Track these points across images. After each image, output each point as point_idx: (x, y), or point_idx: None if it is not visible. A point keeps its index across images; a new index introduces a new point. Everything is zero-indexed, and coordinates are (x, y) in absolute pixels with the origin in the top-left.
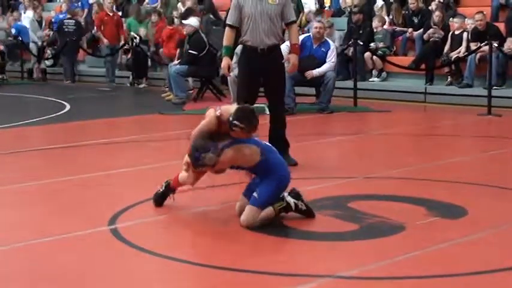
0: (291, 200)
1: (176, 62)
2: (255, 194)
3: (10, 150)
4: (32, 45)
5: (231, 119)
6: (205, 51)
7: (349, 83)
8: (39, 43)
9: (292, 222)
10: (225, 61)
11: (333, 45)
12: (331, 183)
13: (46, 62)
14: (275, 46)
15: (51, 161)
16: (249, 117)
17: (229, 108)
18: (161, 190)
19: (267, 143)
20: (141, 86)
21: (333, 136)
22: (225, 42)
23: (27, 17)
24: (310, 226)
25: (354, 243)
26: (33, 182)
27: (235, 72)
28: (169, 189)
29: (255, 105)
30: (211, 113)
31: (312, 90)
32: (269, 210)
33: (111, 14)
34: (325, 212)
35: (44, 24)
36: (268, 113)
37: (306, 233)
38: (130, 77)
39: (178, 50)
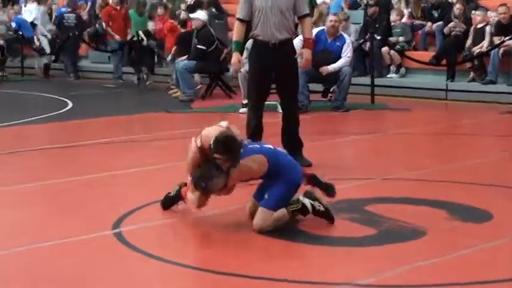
0: (307, 201)
1: (183, 57)
2: (266, 196)
3: (10, 149)
4: (41, 38)
5: (211, 151)
6: (214, 46)
7: (366, 80)
8: (49, 36)
9: (306, 227)
10: (235, 57)
11: (349, 40)
12: (347, 184)
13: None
14: (287, 40)
15: (52, 161)
16: (228, 146)
17: (209, 133)
18: (172, 195)
19: (271, 147)
20: (147, 82)
21: (349, 135)
22: (235, 37)
23: (28, 10)
24: (325, 230)
25: (371, 248)
26: (33, 183)
27: (246, 67)
28: (179, 196)
29: (267, 102)
30: (192, 144)
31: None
32: (282, 212)
33: (118, 8)
34: (341, 215)
35: (53, 17)
36: (280, 110)
37: (320, 238)
38: (143, 73)
39: (174, 47)
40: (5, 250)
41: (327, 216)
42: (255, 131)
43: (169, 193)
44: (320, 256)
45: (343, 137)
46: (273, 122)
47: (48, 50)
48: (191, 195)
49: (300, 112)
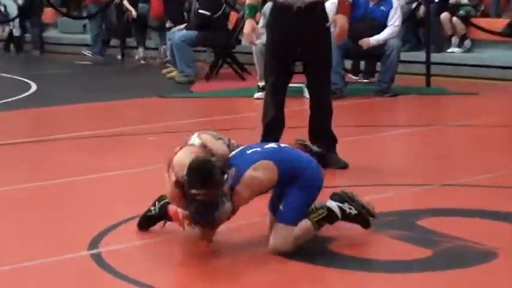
0: (334, 205)
1: (181, 26)
2: (281, 208)
3: None
4: (8, 3)
5: (186, 187)
6: (221, 11)
7: (420, 55)
8: (20, 1)
9: (339, 246)
10: (248, 24)
11: (397, 3)
12: (394, 192)
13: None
14: (316, 4)
15: (12, 161)
16: (205, 176)
17: (183, 160)
18: (152, 213)
19: (274, 146)
20: (137, 58)
21: (397, 128)
22: (248, 0)
23: None
24: (365, 251)
25: (426, 275)
26: None
27: (262, 39)
28: (164, 214)
29: (291, 84)
30: (166, 180)
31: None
32: (305, 226)
33: None
34: (386, 232)
35: None
36: (307, 95)
37: (358, 261)
38: (140, 52)
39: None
40: None
41: (360, 220)
42: (273, 124)
43: (149, 210)
44: (358, 285)
45: (390, 130)
46: (297, 109)
47: (15, 21)
48: (189, 229)
49: (334, 98)
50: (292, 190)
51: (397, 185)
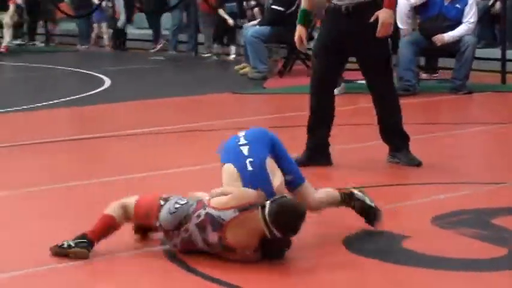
0: (356, 191)
1: (255, 22)
2: (290, 176)
3: (26, 140)
4: None
5: (269, 222)
6: (294, 7)
7: (495, 52)
8: None
9: (411, 243)
10: (297, 31)
11: None
12: (468, 191)
13: None
14: (367, 4)
15: (79, 157)
16: (290, 221)
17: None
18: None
19: (251, 159)
20: (207, 54)
21: (472, 126)
22: (303, 3)
23: None
24: (439, 249)
25: (501, 274)
26: (53, 184)
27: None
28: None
29: (360, 81)
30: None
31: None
32: (329, 191)
33: None
34: (460, 230)
35: None
36: None
37: (431, 259)
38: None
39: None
40: (4, 273)
41: (373, 213)
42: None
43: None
44: (432, 283)
45: (464, 128)
46: (367, 106)
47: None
48: None
49: (406, 94)
50: (280, 159)
51: (471, 183)
